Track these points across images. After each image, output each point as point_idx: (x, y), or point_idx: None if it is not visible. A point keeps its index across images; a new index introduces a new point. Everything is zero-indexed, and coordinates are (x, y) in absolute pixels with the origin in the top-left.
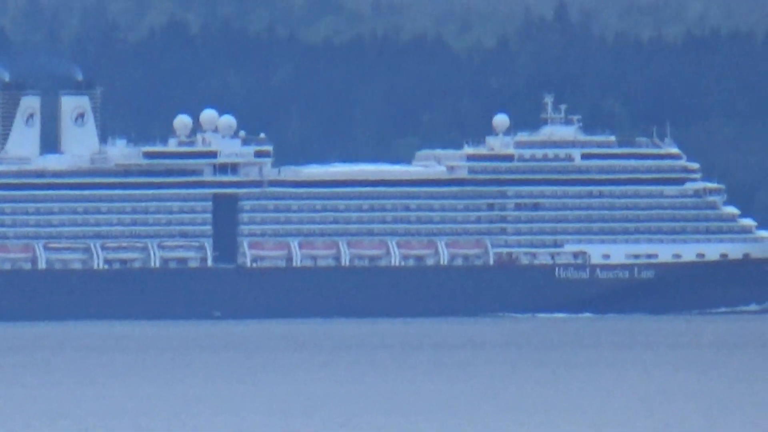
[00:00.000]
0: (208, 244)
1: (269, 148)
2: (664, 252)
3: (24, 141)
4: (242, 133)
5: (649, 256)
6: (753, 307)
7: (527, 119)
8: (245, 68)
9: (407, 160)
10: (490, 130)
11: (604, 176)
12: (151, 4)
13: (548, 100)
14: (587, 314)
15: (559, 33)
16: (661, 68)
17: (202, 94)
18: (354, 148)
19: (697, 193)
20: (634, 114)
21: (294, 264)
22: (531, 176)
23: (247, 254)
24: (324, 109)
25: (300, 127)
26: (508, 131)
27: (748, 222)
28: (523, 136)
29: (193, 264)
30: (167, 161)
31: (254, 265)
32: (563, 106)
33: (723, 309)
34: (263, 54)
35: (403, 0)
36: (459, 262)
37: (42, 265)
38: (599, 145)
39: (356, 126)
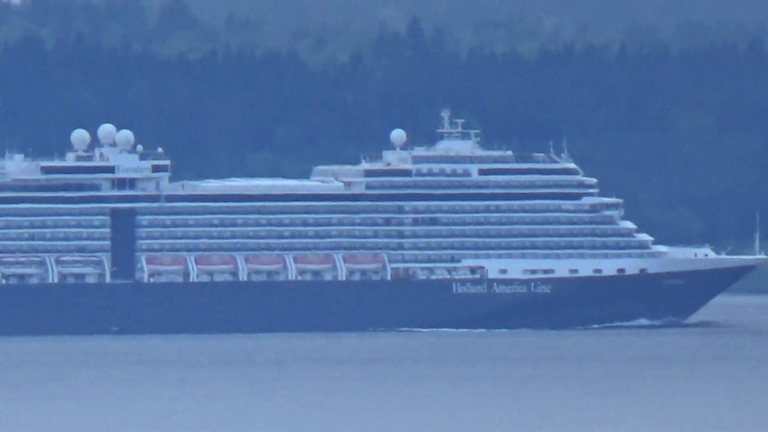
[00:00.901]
0: (106, 259)
1: (166, 162)
2: (561, 267)
3: None
4: (140, 148)
5: (546, 271)
6: (649, 321)
7: (425, 133)
8: (99, 83)
9: (305, 175)
10: (388, 145)
11: (501, 191)
12: (4, 21)
13: (445, 114)
14: (482, 329)
15: (413, 48)
16: (515, 83)
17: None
18: (209, 163)
19: (593, 208)
20: (488, 128)
21: (191, 279)
22: (428, 191)
23: (144, 269)
24: (179, 123)
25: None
26: (406, 146)
27: (644, 237)
28: (420, 151)
29: (90, 279)
30: (65, 176)
31: (151, 280)
32: (460, 121)
33: (615, 324)
34: (117, 69)
35: (257, 16)
36: (356, 276)
37: None
38: (496, 160)
39: (211, 141)
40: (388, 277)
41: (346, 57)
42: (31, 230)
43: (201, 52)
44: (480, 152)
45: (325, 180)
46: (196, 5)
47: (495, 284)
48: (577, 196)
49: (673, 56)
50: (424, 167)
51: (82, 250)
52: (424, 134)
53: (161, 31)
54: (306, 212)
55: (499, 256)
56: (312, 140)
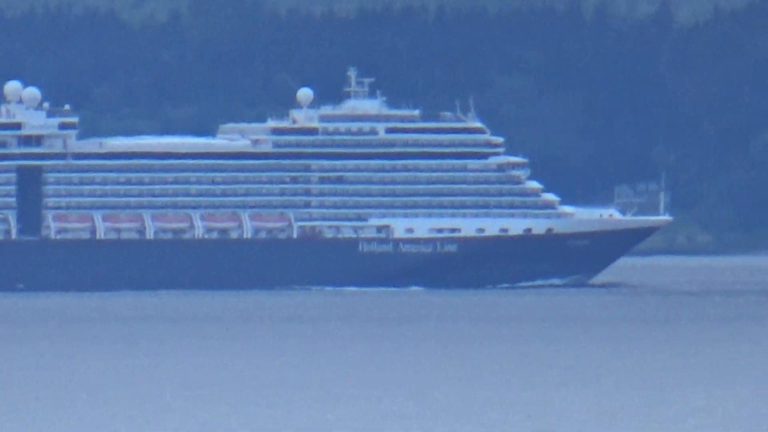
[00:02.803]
0: (12, 216)
1: (74, 120)
2: (468, 226)
3: None
4: (46, 105)
5: (453, 230)
6: (555, 281)
7: (332, 93)
8: None
9: (212, 132)
10: (295, 104)
11: (408, 150)
12: None
13: (351, 73)
14: (388, 288)
15: (232, 7)
16: (334, 42)
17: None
18: None
19: (500, 168)
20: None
21: (98, 237)
22: (335, 150)
23: (51, 227)
24: None
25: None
26: (313, 104)
27: (551, 197)
28: (327, 110)
29: None
30: None
31: (58, 237)
32: (367, 80)
33: (525, 284)
34: None
35: None
36: (263, 235)
37: None
38: (403, 119)
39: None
40: (295, 236)
41: (165, 16)
42: None
43: (19, 9)
44: (387, 111)
45: (232, 138)
46: None
47: (401, 243)
48: (484, 156)
49: (491, 17)
50: (331, 126)
51: None
52: (253, 93)
53: None
54: (213, 170)
55: (406, 215)
56: (131, 99)
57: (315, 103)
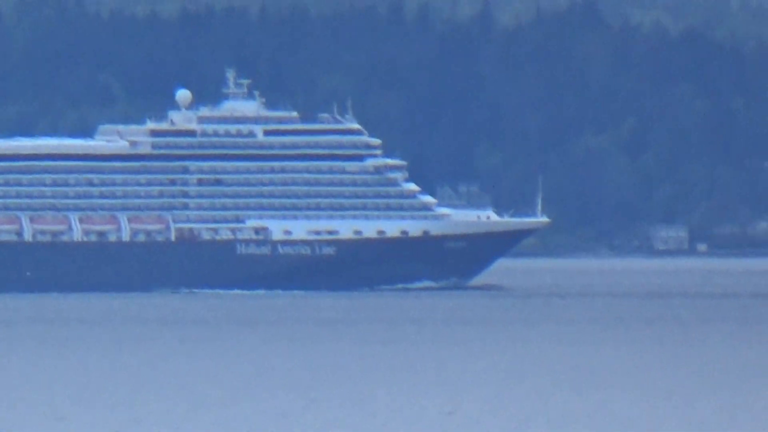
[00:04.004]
0: None
1: None
2: (345, 228)
3: None
4: None
5: (330, 232)
6: (428, 284)
7: (210, 94)
8: None
9: (90, 134)
10: (172, 104)
11: (285, 152)
12: None
13: (230, 75)
14: (266, 290)
15: (54, 9)
16: (155, 44)
17: None
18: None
19: (377, 170)
20: (130, 90)
21: (22, 239)
22: (213, 151)
23: None
24: None
25: None
26: (191, 106)
27: (428, 199)
28: (205, 112)
29: None
30: None
31: None
32: (245, 81)
33: (398, 285)
34: None
35: None
36: (141, 237)
37: None
38: (281, 120)
39: None
40: (173, 238)
41: None
42: None
43: None
44: (265, 113)
45: (110, 139)
46: None
47: (279, 245)
48: (361, 158)
49: (313, 18)
50: (210, 128)
51: None
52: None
53: None
54: (91, 172)
55: (284, 217)
56: None
57: (193, 104)
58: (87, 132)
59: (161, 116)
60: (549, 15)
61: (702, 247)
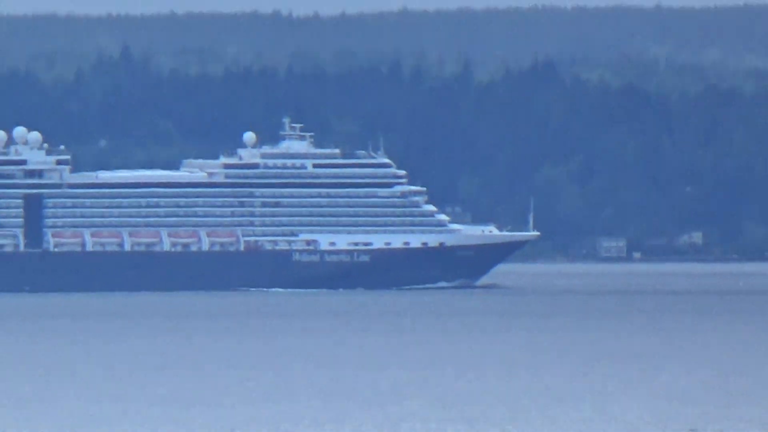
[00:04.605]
0: (20, 233)
1: (68, 157)
2: (378, 241)
3: None
4: (46, 146)
5: (366, 244)
6: (443, 284)
7: (270, 135)
8: None
9: (177, 167)
10: (242, 144)
11: (330, 181)
12: None
13: (286, 120)
14: (315, 290)
15: (125, 69)
16: (205, 99)
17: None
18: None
19: (403, 195)
20: (183, 132)
21: (86, 249)
22: (273, 180)
23: (50, 241)
24: None
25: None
26: (255, 145)
27: (443, 217)
28: (266, 149)
29: (8, 249)
30: None
31: (56, 249)
32: (298, 125)
33: (421, 286)
34: None
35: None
36: (216, 248)
37: None
38: (327, 156)
39: None
40: (242, 248)
41: (72, 75)
42: None
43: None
44: (314, 150)
45: (192, 171)
46: None
47: (325, 254)
48: (390, 185)
49: (331, 76)
50: (270, 161)
51: (0, 226)
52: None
53: None
54: (177, 196)
55: (329, 232)
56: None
57: (258, 144)
58: (151, 166)
59: (232, 153)
60: (516, 73)
61: (637, 255)
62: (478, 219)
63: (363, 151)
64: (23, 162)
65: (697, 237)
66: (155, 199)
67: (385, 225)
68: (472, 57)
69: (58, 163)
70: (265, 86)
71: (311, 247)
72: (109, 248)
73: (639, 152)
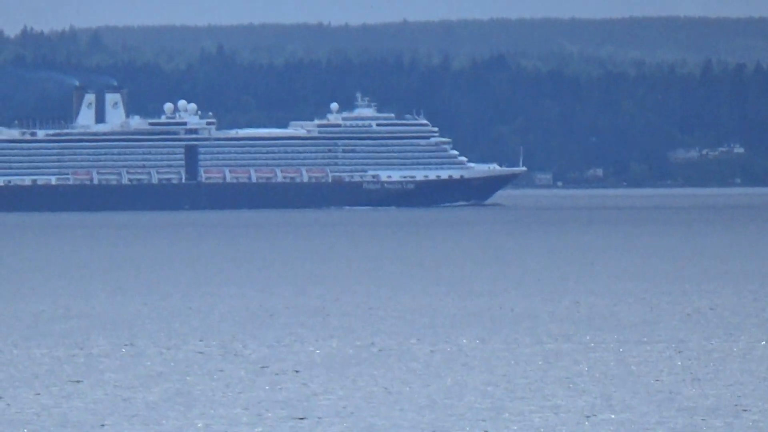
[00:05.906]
0: (182, 171)
1: (214, 120)
2: (419, 175)
3: (86, 117)
4: (199, 112)
5: (411, 177)
6: (462, 203)
7: (348, 104)
8: None
9: (286, 125)
10: (329, 110)
11: (387, 134)
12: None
13: (359, 95)
14: (377, 207)
15: (221, 62)
16: (297, 81)
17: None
18: None
19: (436, 144)
20: (290, 105)
21: (226, 181)
22: (350, 135)
23: (202, 176)
24: None
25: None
26: (339, 111)
27: (462, 158)
28: (346, 114)
29: (174, 181)
30: (161, 127)
31: (206, 181)
32: (367, 98)
33: (447, 204)
34: None
35: None
36: (312, 180)
37: (95, 181)
38: (386, 119)
39: None
40: (330, 181)
41: (184, 65)
42: (143, 155)
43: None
44: (377, 114)
45: (296, 129)
46: None
47: (385, 184)
48: (427, 137)
49: (355, 65)
50: (348, 122)
51: (169, 167)
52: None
53: None
54: (286, 146)
55: (387, 169)
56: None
57: (339, 110)
58: (268, 126)
59: (323, 117)
60: (480, 62)
61: (560, 183)
62: (482, 159)
63: (409, 115)
64: (184, 123)
65: (599, 171)
66: (272, 148)
67: (424, 164)
68: (450, 53)
69: (208, 123)
70: (337, 72)
71: (375, 179)
72: (241, 180)
73: (561, 116)
